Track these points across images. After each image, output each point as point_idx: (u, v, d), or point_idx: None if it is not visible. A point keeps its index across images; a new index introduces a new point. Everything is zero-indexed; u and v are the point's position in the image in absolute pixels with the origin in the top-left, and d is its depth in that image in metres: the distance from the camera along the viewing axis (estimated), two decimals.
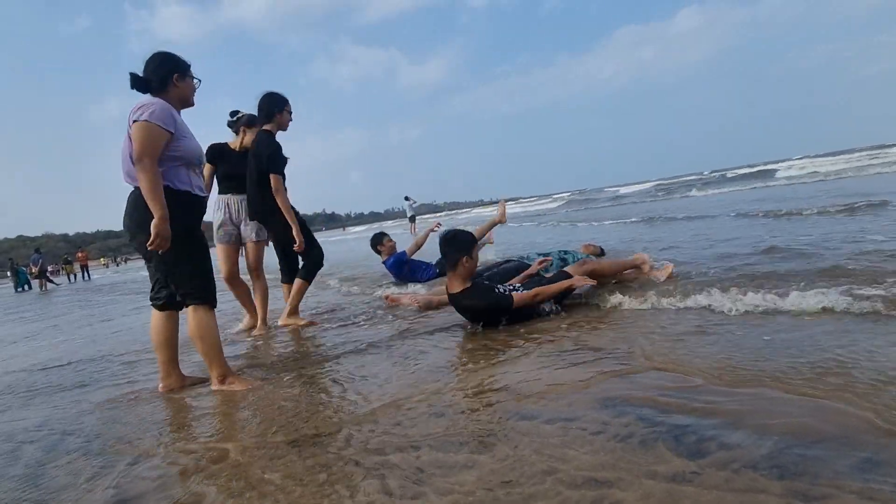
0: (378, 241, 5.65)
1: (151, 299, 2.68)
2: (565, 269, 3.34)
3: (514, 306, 3.06)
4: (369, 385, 2.35)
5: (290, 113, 3.82)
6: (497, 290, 3.11)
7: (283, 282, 4.15)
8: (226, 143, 4.08)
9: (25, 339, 6.01)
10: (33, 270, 21.94)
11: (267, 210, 3.75)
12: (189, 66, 2.58)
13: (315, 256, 3.95)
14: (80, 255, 27.95)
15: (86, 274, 27.29)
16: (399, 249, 5.59)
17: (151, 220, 2.29)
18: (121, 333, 5.17)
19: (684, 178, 41.04)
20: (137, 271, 23.85)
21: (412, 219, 22.20)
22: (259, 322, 4.07)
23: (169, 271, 2.52)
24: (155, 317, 2.69)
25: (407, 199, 22.22)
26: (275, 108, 3.73)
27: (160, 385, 2.70)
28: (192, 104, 2.63)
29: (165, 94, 2.50)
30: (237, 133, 4.07)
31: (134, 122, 2.32)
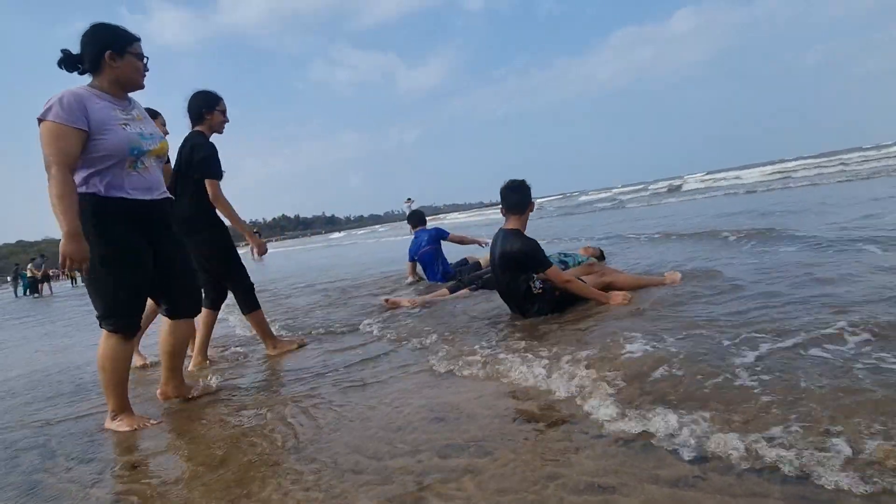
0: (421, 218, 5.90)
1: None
2: (569, 270, 3.27)
3: (549, 273, 3.14)
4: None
5: (224, 113, 3.21)
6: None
7: (205, 306, 3.23)
8: None
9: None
10: (36, 274, 21.91)
11: (197, 222, 3.08)
12: (132, 40, 2.19)
13: (248, 280, 3.29)
14: None
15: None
16: (413, 249, 5.74)
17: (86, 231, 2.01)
18: None
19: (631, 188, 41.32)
20: None
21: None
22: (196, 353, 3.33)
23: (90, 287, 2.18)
24: (163, 324, 2.52)
25: (408, 200, 22.29)
26: (205, 107, 3.14)
27: (158, 390, 2.61)
28: (141, 86, 2.26)
29: (99, 77, 2.16)
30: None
31: (39, 119, 2.00)
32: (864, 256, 3.56)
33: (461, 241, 5.71)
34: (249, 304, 3.31)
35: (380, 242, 20.34)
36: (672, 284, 3.52)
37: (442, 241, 5.65)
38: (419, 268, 5.82)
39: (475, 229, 16.67)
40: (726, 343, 2.10)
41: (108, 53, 2.13)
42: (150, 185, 2.22)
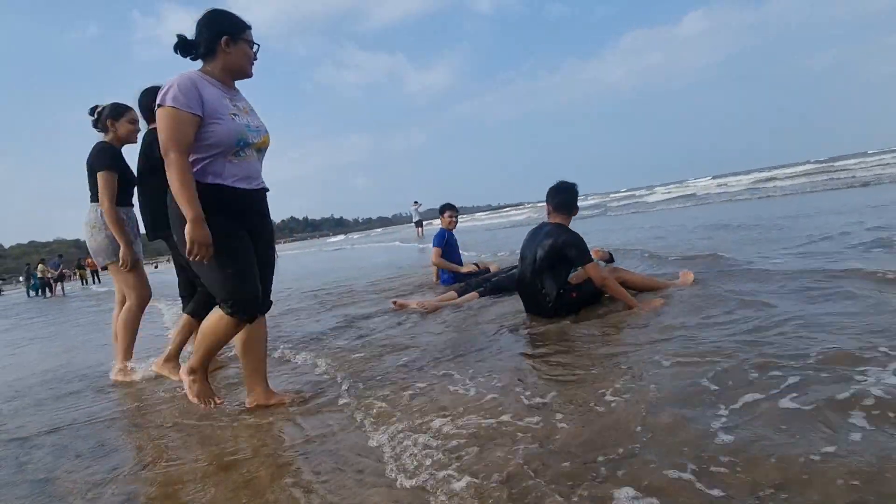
0: (442, 210, 5.77)
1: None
2: (585, 267, 3.22)
3: (588, 268, 3.16)
4: None
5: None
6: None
7: (186, 311, 3.19)
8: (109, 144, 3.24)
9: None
10: (53, 274, 22.20)
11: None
12: (245, 27, 2.17)
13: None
14: (89, 260, 28.18)
15: (96, 278, 27.59)
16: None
17: (182, 223, 1.97)
18: None
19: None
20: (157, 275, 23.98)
21: (419, 223, 22.16)
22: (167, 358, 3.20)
23: (200, 272, 2.13)
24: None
25: (416, 203, 22.23)
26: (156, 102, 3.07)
27: (246, 400, 2.39)
28: (249, 75, 2.22)
29: (212, 63, 2.13)
30: (105, 131, 3.26)
31: (159, 105, 1.97)
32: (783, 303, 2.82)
33: (441, 266, 5.54)
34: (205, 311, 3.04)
35: (391, 247, 20.26)
36: (684, 285, 3.53)
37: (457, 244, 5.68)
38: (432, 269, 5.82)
39: (480, 234, 16.68)
40: None
41: (225, 39, 2.09)
42: (250, 174, 2.16)
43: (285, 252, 25.86)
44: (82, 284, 26.28)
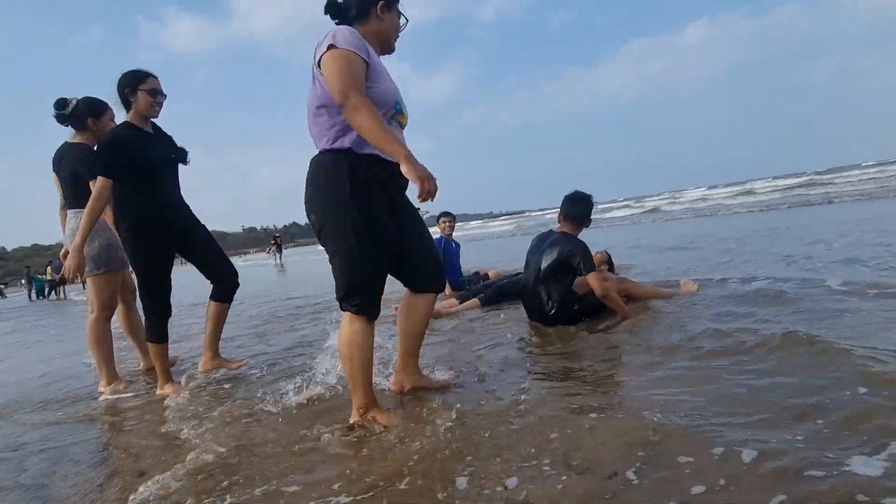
0: (437, 217, 5.76)
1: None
2: (588, 276, 3.19)
3: (590, 277, 3.12)
4: None
5: (154, 94, 2.76)
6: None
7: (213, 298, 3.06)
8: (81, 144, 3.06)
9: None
10: (55, 277, 22.16)
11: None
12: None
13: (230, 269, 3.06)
14: None
15: None
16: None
17: (326, 198, 1.82)
18: None
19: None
20: None
21: None
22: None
23: (333, 265, 1.92)
24: (403, 301, 2.25)
25: (417, 209, 22.25)
26: (128, 87, 2.72)
27: (391, 379, 2.33)
28: (393, 49, 2.07)
29: (363, 26, 1.97)
30: (81, 129, 3.07)
31: (324, 53, 1.76)
32: None
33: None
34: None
35: None
36: (686, 294, 3.54)
37: (460, 251, 5.67)
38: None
39: (483, 242, 16.68)
40: None
41: (381, 4, 1.97)
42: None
43: (291, 258, 25.85)
44: (84, 287, 26.28)
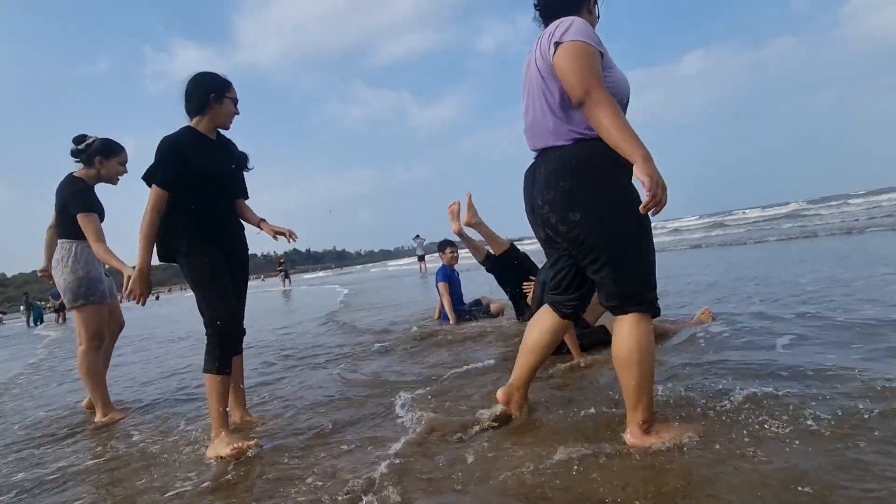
0: (443, 247, 5.74)
1: (554, 304, 2.02)
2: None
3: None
4: None
5: (236, 104, 2.51)
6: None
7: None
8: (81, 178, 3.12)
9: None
10: (53, 304, 22.06)
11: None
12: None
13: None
14: None
15: None
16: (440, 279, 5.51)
17: (596, 190, 1.66)
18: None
19: None
20: (156, 305, 23.83)
21: (421, 258, 22.15)
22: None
23: (616, 262, 1.69)
24: (546, 315, 2.05)
25: (417, 237, 22.20)
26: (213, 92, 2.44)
27: (499, 393, 2.13)
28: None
29: (584, 14, 1.84)
30: (88, 165, 3.13)
31: (559, 46, 1.64)
32: None
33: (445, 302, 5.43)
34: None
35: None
36: (701, 324, 3.49)
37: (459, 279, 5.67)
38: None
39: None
40: None
41: (588, 6, 1.86)
42: None
43: (301, 287, 25.84)
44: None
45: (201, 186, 2.37)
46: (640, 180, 1.50)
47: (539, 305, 2.79)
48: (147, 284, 2.39)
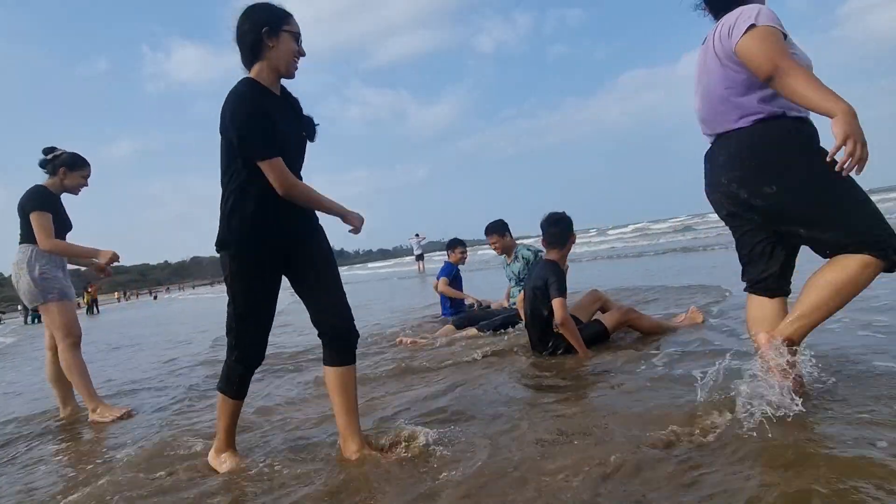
0: (453, 245, 5.69)
1: (754, 283, 1.99)
2: (553, 300, 3.15)
3: (554, 303, 3.09)
4: None
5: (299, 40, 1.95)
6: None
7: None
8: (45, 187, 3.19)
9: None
10: None
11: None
12: None
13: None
14: (90, 289, 28.18)
15: (95, 308, 27.37)
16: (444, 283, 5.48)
17: (785, 164, 1.69)
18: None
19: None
20: (152, 305, 23.89)
21: (420, 257, 22.04)
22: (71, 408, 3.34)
23: (826, 215, 1.73)
24: (756, 308, 2.00)
25: (416, 236, 22.00)
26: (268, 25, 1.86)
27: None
28: None
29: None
30: (52, 175, 3.20)
31: (750, 27, 1.70)
32: None
33: (447, 294, 5.47)
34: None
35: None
36: (692, 325, 3.52)
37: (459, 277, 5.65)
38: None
39: (488, 270, 16.65)
40: None
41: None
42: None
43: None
44: (89, 313, 26.05)
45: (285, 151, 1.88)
46: (833, 135, 1.52)
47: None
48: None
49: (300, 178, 1.98)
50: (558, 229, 3.34)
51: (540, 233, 3.42)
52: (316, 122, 2.11)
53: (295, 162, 1.99)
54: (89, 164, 3.31)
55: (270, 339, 2.06)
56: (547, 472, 1.63)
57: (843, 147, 1.52)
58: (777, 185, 1.75)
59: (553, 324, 3.18)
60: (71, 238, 3.21)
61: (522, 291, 3.65)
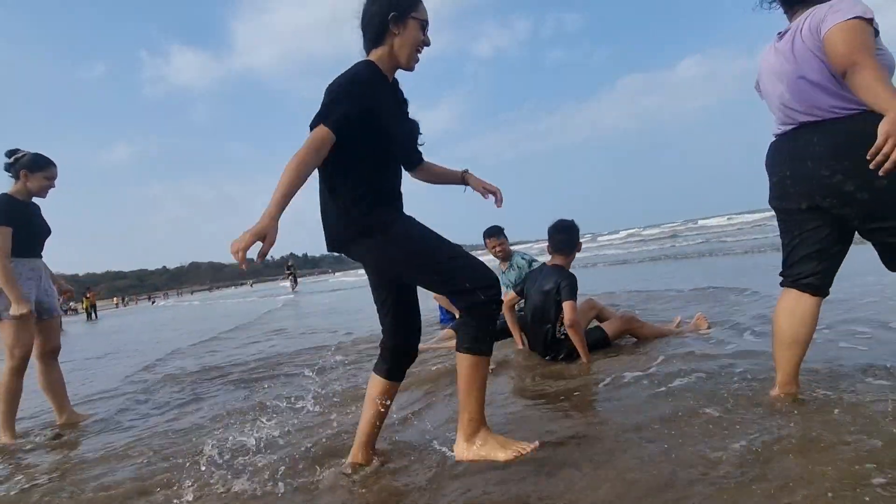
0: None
1: (803, 278, 1.95)
2: (564, 302, 3.16)
3: (565, 306, 3.09)
4: None
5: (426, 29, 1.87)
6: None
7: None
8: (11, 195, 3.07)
9: None
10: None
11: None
12: None
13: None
14: (89, 294, 28.11)
15: (94, 313, 27.27)
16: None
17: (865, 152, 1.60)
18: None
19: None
20: (150, 311, 23.86)
21: None
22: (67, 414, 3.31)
23: None
24: (791, 301, 1.98)
25: None
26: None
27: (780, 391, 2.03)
28: None
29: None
30: (16, 178, 3.09)
31: (841, 19, 1.69)
32: None
33: (441, 303, 5.34)
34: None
35: None
36: (697, 332, 3.51)
37: None
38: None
39: None
40: None
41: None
42: None
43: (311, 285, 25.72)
44: (89, 318, 25.97)
45: (387, 147, 1.83)
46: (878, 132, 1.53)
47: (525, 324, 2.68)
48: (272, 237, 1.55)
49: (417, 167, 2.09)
50: (566, 237, 3.35)
51: (535, 238, 3.41)
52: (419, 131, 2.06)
53: (407, 156, 2.03)
54: (54, 165, 3.15)
55: None
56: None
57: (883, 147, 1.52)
58: (889, 179, 1.64)
59: (558, 328, 3.19)
60: (66, 242, 3.18)
61: (509, 293, 3.64)
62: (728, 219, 34.20)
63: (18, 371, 3.01)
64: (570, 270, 3.34)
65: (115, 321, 20.31)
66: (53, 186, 3.17)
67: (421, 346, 4.35)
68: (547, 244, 3.42)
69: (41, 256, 3.23)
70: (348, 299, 13.23)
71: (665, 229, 34.83)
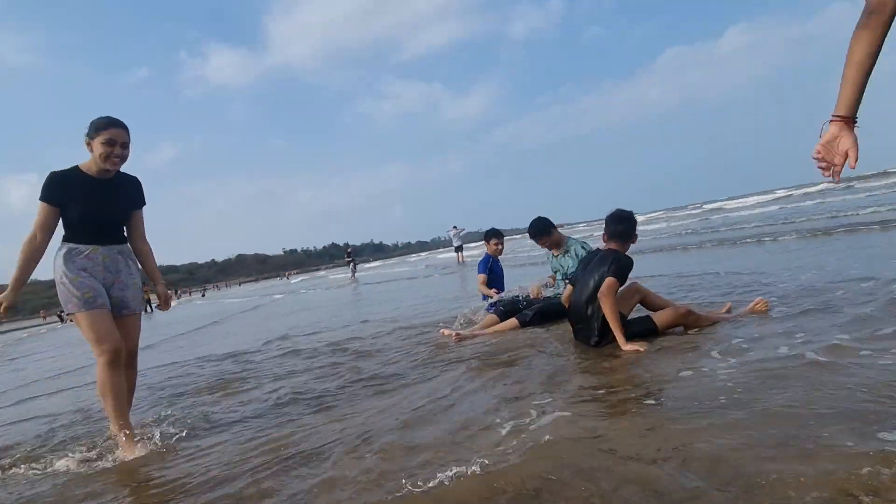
0: (488, 237, 5.49)
1: None
2: (607, 277, 3.08)
3: (607, 280, 3.03)
4: None
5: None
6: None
7: None
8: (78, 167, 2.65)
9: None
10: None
11: None
12: None
13: None
14: (143, 289, 29.10)
15: (149, 307, 28.26)
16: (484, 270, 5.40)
17: None
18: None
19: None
20: (197, 304, 24.56)
21: (459, 248, 21.94)
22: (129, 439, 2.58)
23: None
24: None
25: (454, 227, 21.87)
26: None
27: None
28: None
29: None
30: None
31: None
32: None
33: (483, 292, 5.33)
34: None
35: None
36: (753, 313, 3.34)
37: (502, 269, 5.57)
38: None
39: (526, 266, 16.40)
40: None
41: None
42: None
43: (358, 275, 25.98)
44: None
45: None
46: None
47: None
48: None
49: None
50: (623, 227, 3.32)
51: (579, 221, 3.31)
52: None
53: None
54: (116, 124, 2.59)
55: None
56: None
57: None
58: None
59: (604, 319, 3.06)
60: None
61: (568, 288, 3.56)
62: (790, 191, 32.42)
63: (111, 364, 2.53)
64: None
65: (169, 314, 20.94)
66: (120, 154, 2.59)
67: (464, 332, 4.32)
68: (603, 232, 3.40)
69: (109, 243, 2.70)
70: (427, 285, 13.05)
71: (708, 207, 33.35)
